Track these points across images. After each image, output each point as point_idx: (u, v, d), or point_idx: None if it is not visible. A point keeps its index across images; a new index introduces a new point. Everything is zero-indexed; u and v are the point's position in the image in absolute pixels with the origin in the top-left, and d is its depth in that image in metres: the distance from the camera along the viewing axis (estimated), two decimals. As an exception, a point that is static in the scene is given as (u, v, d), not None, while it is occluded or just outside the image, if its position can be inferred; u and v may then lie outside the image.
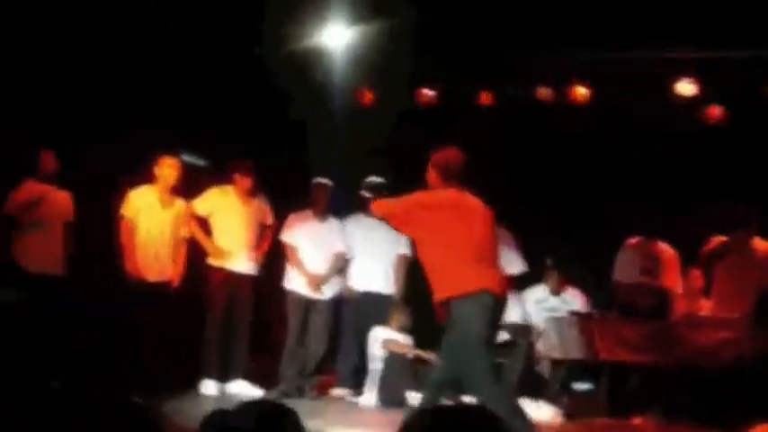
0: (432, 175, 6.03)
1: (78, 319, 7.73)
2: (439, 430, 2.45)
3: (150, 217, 8.25)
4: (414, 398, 7.76)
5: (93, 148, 8.18)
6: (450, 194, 5.94)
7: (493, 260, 5.94)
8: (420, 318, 8.34)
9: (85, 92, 8.36)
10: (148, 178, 8.33)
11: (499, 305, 5.84)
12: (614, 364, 8.00)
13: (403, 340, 8.49)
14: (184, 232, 8.43)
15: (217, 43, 8.74)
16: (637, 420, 7.71)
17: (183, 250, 8.42)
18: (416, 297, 8.06)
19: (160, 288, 8.23)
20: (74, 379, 6.93)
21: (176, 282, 8.34)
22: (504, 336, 8.42)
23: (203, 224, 8.56)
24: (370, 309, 8.70)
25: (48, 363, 7.10)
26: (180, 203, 8.39)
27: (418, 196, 5.99)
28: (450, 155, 6.04)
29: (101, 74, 8.40)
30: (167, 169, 8.28)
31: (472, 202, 5.97)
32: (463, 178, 5.99)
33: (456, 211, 5.87)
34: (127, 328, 7.84)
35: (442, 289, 5.79)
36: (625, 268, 8.81)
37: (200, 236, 8.50)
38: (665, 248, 8.76)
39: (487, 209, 5.99)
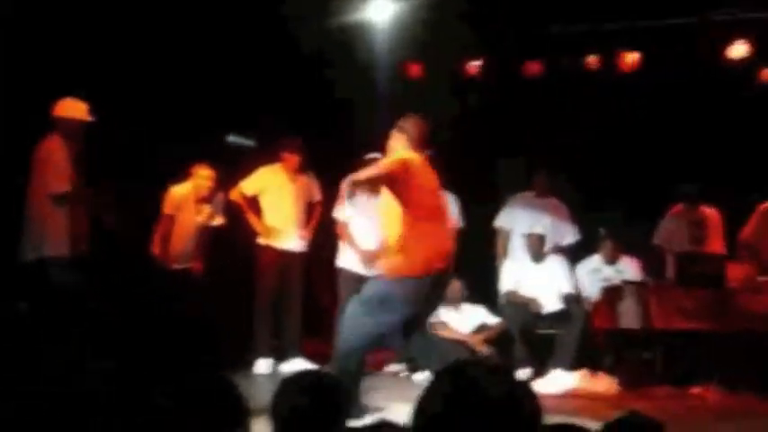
0: (398, 139, 6.31)
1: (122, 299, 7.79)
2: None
3: (186, 213, 8.39)
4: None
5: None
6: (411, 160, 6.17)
7: None
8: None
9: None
10: (189, 173, 8.43)
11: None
12: (671, 332, 7.91)
13: (466, 312, 8.55)
14: (218, 221, 8.51)
15: (257, 18, 8.69)
16: (695, 390, 7.63)
17: (206, 237, 8.52)
18: (467, 267, 8.08)
19: (186, 273, 8.40)
20: (128, 360, 6.94)
21: (198, 266, 8.48)
22: (558, 306, 8.38)
23: (253, 204, 8.58)
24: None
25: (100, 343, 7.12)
26: (207, 208, 8.44)
27: (393, 168, 6.13)
28: (418, 122, 6.31)
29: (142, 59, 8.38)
30: (201, 180, 8.40)
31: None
32: (425, 146, 6.28)
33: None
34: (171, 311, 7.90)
35: None
36: (672, 237, 8.72)
37: (249, 216, 8.53)
38: (711, 213, 8.70)
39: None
